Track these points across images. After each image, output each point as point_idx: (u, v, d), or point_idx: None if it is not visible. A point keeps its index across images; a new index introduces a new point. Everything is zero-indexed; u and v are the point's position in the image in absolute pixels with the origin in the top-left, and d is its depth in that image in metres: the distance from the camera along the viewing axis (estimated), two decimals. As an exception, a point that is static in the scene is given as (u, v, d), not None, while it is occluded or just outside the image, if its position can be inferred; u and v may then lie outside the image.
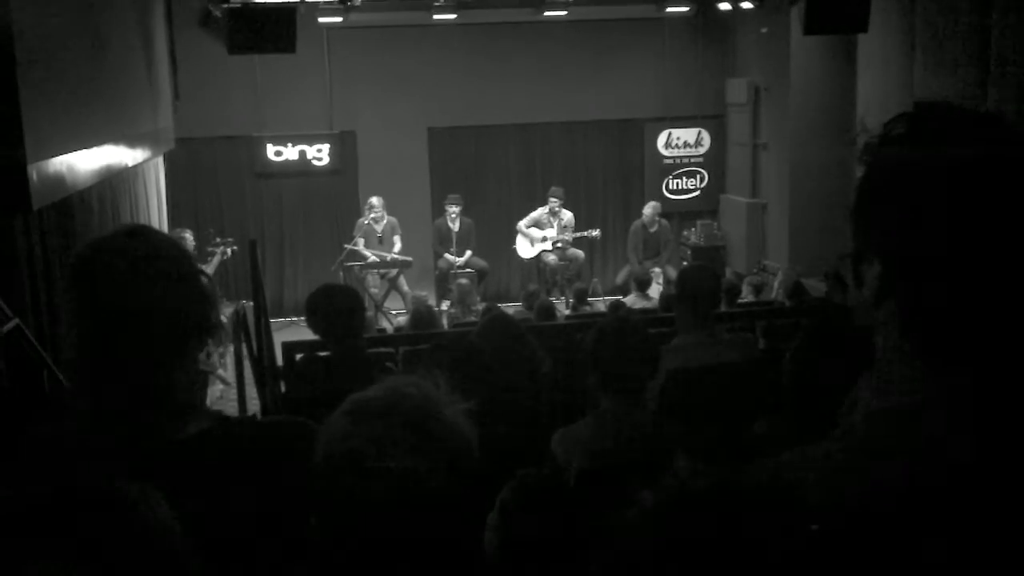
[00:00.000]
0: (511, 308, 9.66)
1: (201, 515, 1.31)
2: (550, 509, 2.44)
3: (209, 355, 9.06)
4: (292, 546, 1.62)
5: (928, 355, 1.15)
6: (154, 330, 1.63)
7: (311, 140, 12.81)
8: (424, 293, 11.17)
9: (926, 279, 1.13)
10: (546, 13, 11.94)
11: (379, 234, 11.85)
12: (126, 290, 1.62)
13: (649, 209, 12.65)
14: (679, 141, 13.70)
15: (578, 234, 12.36)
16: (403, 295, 11.71)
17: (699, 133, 13.73)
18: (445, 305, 11.54)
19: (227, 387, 9.22)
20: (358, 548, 1.48)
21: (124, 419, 1.65)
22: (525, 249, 12.52)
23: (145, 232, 1.74)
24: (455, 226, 12.19)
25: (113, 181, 7.47)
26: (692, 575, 1.15)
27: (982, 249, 1.11)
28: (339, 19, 11.23)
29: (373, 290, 11.53)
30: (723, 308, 7.43)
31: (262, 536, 1.63)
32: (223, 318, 9.98)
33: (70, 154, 5.34)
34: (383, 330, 9.41)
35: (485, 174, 13.56)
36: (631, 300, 10.68)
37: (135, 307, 1.62)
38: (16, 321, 4.42)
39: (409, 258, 11.76)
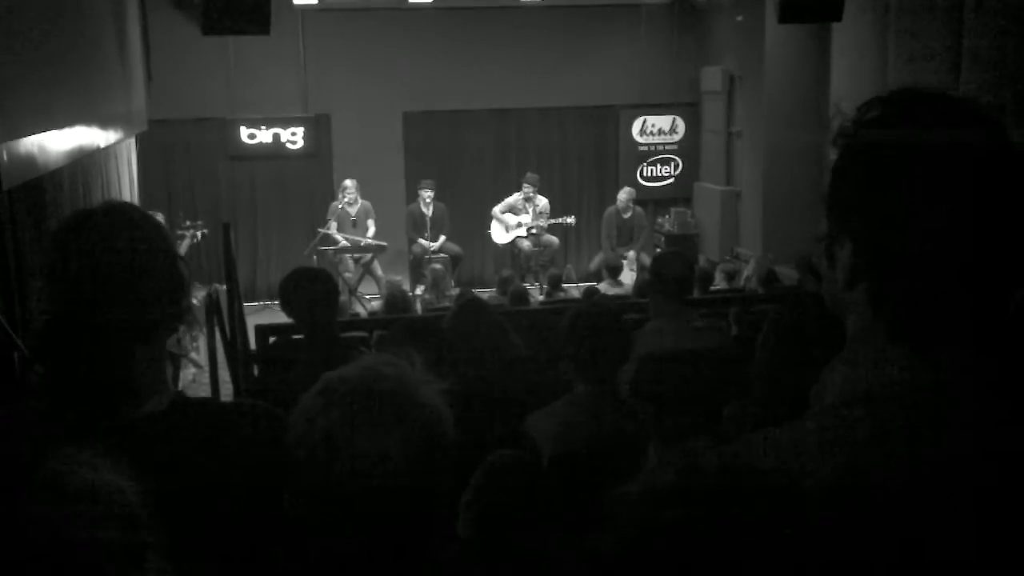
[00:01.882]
0: (485, 293, 9.65)
1: (155, 492, 1.30)
2: (522, 491, 2.46)
3: (180, 339, 9.01)
4: (261, 526, 1.62)
5: (899, 338, 1.17)
6: (116, 311, 1.62)
7: (285, 123, 12.69)
8: (398, 278, 11.14)
9: (898, 262, 1.15)
10: (522, -2, 11.93)
11: (353, 218, 11.79)
12: (94, 268, 1.61)
13: (623, 195, 12.64)
14: (654, 128, 13.71)
15: (553, 221, 12.34)
16: (377, 280, 11.67)
17: (674, 120, 13.74)
18: (419, 290, 11.51)
19: (199, 371, 9.18)
20: (332, 527, 1.48)
21: (79, 397, 1.64)
22: (500, 235, 12.49)
23: (127, 211, 1.73)
24: (428, 211, 12.15)
25: (85, 162, 7.39)
26: (663, 563, 1.16)
27: (955, 232, 1.12)
28: (314, 1, 11.16)
29: (347, 274, 11.48)
30: (696, 295, 7.47)
31: (222, 515, 1.61)
32: (195, 301, 9.95)
33: (41, 134, 5.29)
34: (357, 315, 9.39)
35: (460, 159, 13.51)
36: (604, 286, 10.70)
37: (100, 286, 1.61)
38: (-14, 302, 4.38)
39: (383, 243, 11.72)
